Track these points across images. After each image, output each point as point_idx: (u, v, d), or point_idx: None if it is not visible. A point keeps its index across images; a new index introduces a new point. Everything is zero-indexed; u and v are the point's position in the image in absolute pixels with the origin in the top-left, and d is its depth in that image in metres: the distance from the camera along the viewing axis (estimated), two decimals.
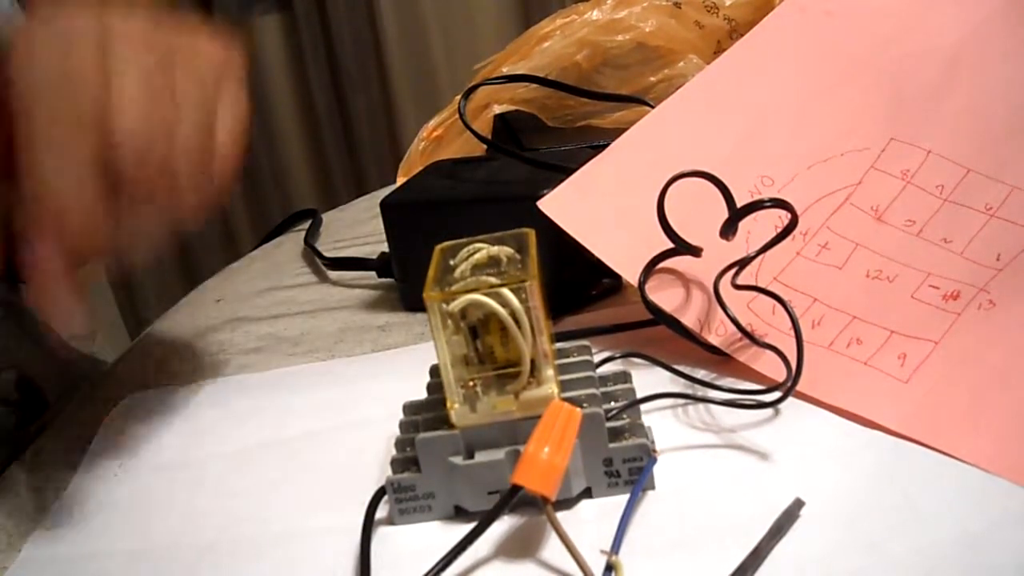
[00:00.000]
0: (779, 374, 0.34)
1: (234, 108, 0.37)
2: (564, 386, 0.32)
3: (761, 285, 0.38)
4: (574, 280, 0.46)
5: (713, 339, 0.38)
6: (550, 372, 0.31)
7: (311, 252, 0.63)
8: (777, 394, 0.34)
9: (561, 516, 0.28)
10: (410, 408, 0.34)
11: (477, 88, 0.58)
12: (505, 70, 0.62)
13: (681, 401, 0.36)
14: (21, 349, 0.48)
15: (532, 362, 0.30)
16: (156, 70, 0.34)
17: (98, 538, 0.34)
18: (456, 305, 0.30)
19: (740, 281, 0.38)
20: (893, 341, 0.36)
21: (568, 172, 0.44)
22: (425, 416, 0.32)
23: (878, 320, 0.37)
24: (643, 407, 0.34)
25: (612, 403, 0.32)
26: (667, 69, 0.60)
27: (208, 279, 0.65)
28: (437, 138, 0.64)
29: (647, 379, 0.36)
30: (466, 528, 0.28)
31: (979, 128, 0.42)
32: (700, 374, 0.37)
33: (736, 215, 0.37)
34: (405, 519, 0.31)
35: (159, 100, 0.34)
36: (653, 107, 0.48)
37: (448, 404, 0.31)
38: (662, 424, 0.34)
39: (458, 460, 0.30)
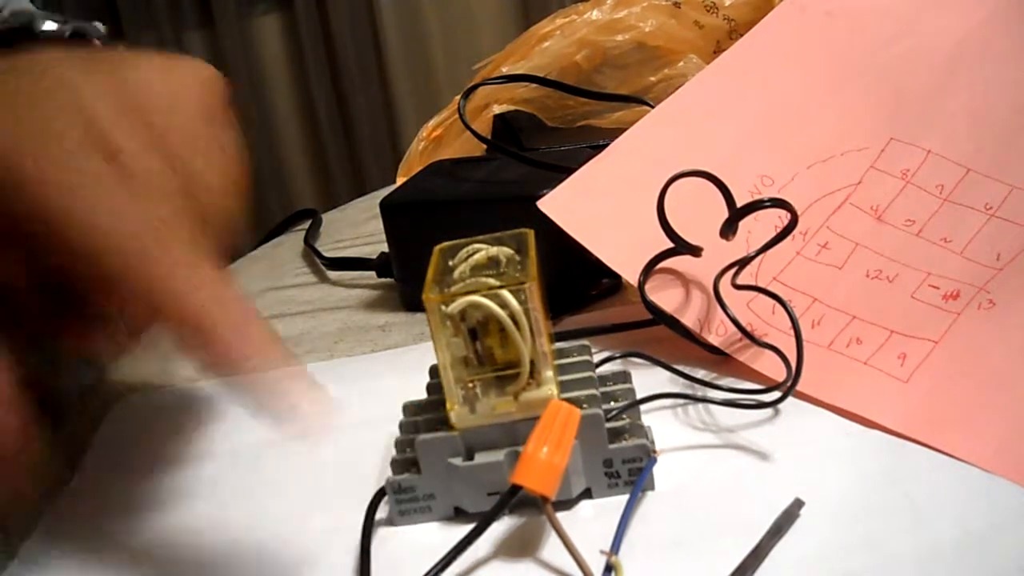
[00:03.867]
0: (779, 374, 0.34)
1: (219, 154, 0.33)
2: (564, 386, 0.32)
3: (761, 285, 0.38)
4: (574, 280, 0.45)
5: (713, 339, 0.38)
6: (549, 373, 0.31)
7: (311, 252, 0.63)
8: (777, 394, 0.34)
9: (561, 516, 0.28)
10: (410, 409, 0.34)
11: (477, 88, 0.58)
12: (505, 70, 0.62)
13: (681, 401, 0.36)
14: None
15: (532, 363, 0.30)
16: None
17: (97, 538, 0.34)
18: (455, 307, 0.30)
19: (740, 281, 0.38)
20: (893, 341, 0.36)
21: (568, 172, 0.44)
22: (425, 417, 0.32)
23: (878, 320, 0.37)
24: (643, 407, 0.34)
25: (612, 403, 0.32)
26: (667, 69, 0.60)
27: None
28: (437, 138, 0.64)
29: (647, 379, 0.36)
30: (466, 528, 0.28)
31: (979, 128, 0.42)
32: (700, 374, 0.37)
33: (736, 215, 0.37)
34: (405, 520, 0.31)
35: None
36: (653, 107, 0.48)
37: (448, 405, 0.31)
38: (662, 424, 0.34)
39: (458, 461, 0.30)
